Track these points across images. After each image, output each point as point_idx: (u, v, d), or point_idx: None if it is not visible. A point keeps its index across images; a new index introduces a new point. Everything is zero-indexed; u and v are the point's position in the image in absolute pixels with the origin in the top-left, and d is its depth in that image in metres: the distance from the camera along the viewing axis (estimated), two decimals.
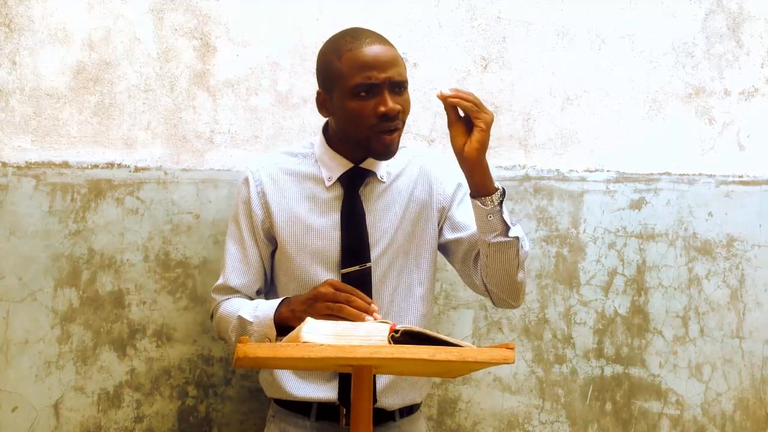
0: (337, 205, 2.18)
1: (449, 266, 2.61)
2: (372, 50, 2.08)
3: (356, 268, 2.14)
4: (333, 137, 2.20)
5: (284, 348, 1.77)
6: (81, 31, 2.43)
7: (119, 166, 2.44)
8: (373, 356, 1.77)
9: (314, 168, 2.20)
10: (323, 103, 2.16)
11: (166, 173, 2.46)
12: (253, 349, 1.75)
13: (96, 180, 2.41)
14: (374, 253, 2.17)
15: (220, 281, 2.22)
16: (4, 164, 2.36)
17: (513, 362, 1.82)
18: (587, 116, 2.75)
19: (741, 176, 2.83)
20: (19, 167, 2.37)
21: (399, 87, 2.10)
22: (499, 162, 2.67)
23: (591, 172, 2.74)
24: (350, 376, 2.06)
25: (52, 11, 2.41)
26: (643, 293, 2.73)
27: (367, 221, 2.17)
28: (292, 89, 2.55)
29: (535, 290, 2.66)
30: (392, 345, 1.78)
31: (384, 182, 2.21)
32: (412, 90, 2.61)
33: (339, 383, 2.14)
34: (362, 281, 2.13)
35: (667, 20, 2.82)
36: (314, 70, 2.24)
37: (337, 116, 2.14)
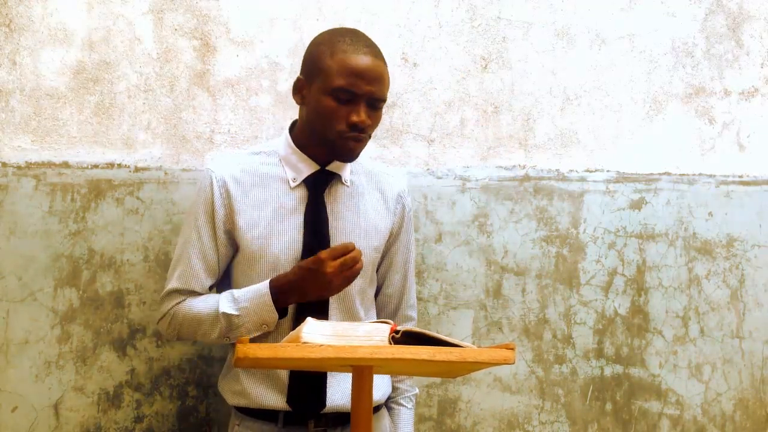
0: (301, 207, 2.15)
1: (449, 266, 2.61)
2: (364, 61, 2.07)
3: None
4: (300, 135, 2.17)
5: (284, 348, 1.77)
6: (81, 31, 2.42)
7: (119, 166, 2.44)
8: (374, 356, 1.77)
9: (278, 168, 2.17)
10: (300, 90, 2.15)
11: (166, 173, 2.45)
12: (253, 350, 1.74)
13: (96, 180, 2.41)
14: None
15: (173, 285, 2.14)
16: (4, 164, 2.36)
17: (513, 362, 1.82)
18: (587, 116, 2.75)
19: (741, 176, 2.83)
20: (19, 167, 2.36)
21: (376, 104, 2.10)
22: (499, 162, 2.67)
23: (591, 172, 2.74)
24: (300, 380, 2.09)
25: (52, 11, 2.41)
26: (643, 293, 2.73)
27: (330, 224, 2.16)
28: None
29: (535, 290, 2.66)
30: (392, 345, 1.78)
31: (347, 186, 2.20)
32: (412, 90, 2.61)
33: (288, 389, 2.10)
34: None
35: (667, 20, 2.82)
36: None
37: (309, 107, 2.12)
